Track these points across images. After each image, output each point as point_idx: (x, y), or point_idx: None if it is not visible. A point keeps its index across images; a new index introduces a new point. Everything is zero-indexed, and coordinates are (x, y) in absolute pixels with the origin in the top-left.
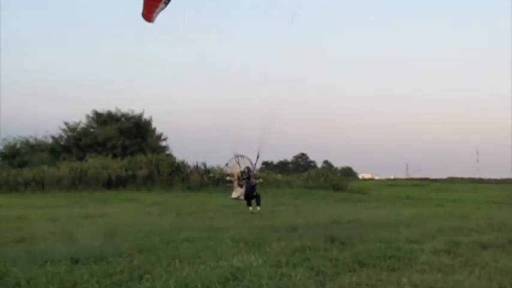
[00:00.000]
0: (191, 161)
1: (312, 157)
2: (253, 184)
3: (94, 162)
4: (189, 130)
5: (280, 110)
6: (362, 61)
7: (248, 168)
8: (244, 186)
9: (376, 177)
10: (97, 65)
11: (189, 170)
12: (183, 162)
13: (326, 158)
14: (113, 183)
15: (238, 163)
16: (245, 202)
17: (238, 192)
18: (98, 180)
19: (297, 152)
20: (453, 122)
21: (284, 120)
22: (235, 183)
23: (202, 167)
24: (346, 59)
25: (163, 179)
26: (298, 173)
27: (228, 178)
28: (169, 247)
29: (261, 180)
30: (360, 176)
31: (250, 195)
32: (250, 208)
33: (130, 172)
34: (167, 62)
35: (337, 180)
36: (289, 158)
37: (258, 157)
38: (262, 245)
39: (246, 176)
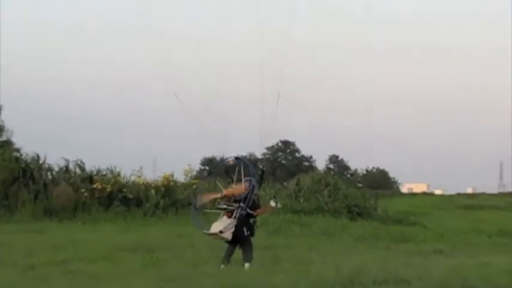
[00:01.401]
0: (55, 158)
1: (305, 150)
2: (251, 215)
3: None
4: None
5: None
6: None
7: (250, 182)
8: (234, 217)
9: (437, 191)
10: None
11: (49, 175)
12: (37, 160)
13: (331, 152)
14: None
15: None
16: (225, 245)
17: (222, 224)
18: None
19: (273, 140)
20: None
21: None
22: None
23: (79, 171)
24: None
25: None
26: (279, 180)
27: (221, 205)
28: None
29: (279, 205)
30: (404, 188)
31: (239, 236)
32: (222, 266)
33: None
34: None
35: (356, 197)
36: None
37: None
38: None
39: (243, 198)
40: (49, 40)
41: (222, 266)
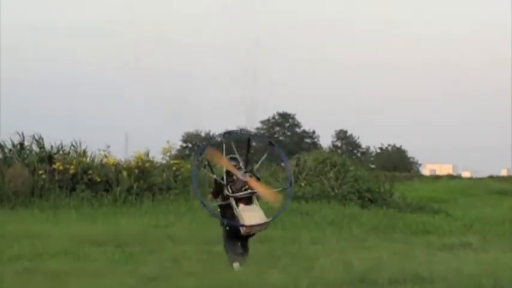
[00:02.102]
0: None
1: (303, 120)
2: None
3: None
4: None
5: None
6: None
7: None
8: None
9: (465, 174)
10: None
11: (0, 154)
12: None
13: (339, 127)
14: None
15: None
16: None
17: (257, 211)
18: None
19: (270, 111)
20: None
21: None
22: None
23: (36, 148)
24: None
25: None
26: (276, 160)
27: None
28: None
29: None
30: (426, 170)
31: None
32: (236, 264)
33: None
34: None
35: (368, 181)
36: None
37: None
38: None
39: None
40: None
41: (236, 264)
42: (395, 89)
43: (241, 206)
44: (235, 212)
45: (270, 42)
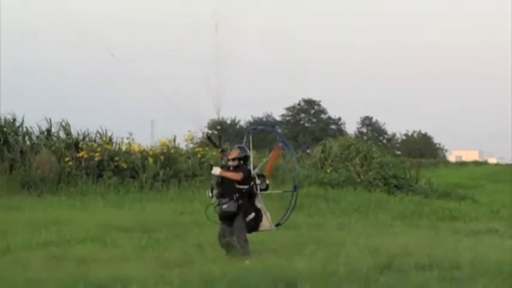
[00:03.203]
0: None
1: (328, 106)
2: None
3: None
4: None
5: None
6: None
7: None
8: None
9: (491, 160)
10: None
11: (27, 141)
12: (12, 123)
13: (364, 113)
14: None
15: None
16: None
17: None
18: None
19: (294, 98)
20: None
21: None
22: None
23: (63, 135)
24: None
25: None
26: (302, 147)
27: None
28: None
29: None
30: (452, 156)
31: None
32: (248, 261)
33: None
34: None
35: (393, 167)
36: (277, 108)
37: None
38: None
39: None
40: None
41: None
42: (421, 75)
43: (262, 207)
44: (260, 207)
45: (299, 31)
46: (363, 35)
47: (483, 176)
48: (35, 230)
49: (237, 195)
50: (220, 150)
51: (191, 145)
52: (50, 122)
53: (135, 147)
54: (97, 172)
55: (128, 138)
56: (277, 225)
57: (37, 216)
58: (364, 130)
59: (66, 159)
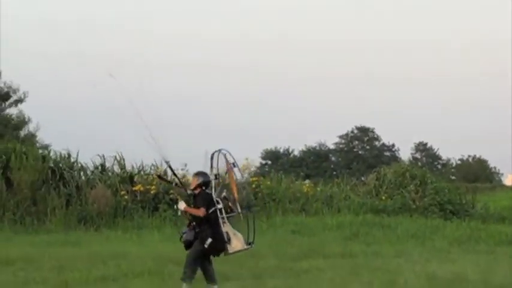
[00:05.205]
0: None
1: (386, 137)
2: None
3: None
4: None
5: None
6: None
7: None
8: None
9: None
10: None
11: (83, 176)
12: (67, 158)
13: (418, 139)
14: None
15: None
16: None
17: (236, 233)
18: None
19: (348, 126)
20: None
21: None
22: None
23: (118, 169)
24: None
25: (22, 198)
26: (356, 174)
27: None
28: None
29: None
30: (508, 180)
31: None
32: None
33: None
34: None
35: (449, 193)
36: (330, 138)
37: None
38: None
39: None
40: None
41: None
42: (474, 99)
43: (229, 230)
44: (225, 231)
45: (345, 58)
46: (411, 63)
47: None
48: (92, 264)
49: (194, 223)
50: (174, 184)
51: (246, 175)
52: (103, 157)
53: (191, 179)
54: (152, 205)
55: (182, 169)
56: (249, 244)
57: (94, 251)
58: (418, 156)
59: (122, 193)
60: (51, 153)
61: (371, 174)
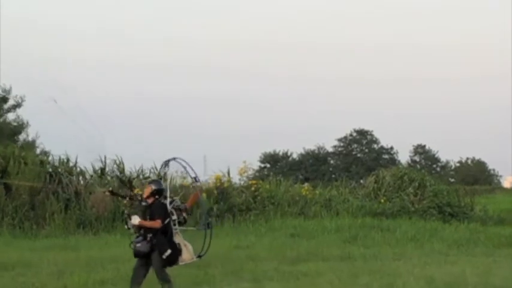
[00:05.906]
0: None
1: (385, 140)
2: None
3: None
4: None
5: None
6: None
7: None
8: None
9: None
10: None
11: (81, 180)
12: (66, 163)
13: (416, 142)
14: None
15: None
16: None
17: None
18: None
19: (346, 129)
20: None
21: None
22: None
23: (117, 172)
24: None
25: (21, 203)
26: (355, 177)
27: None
28: None
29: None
30: (507, 182)
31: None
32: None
33: None
34: None
35: (448, 195)
36: (328, 141)
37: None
38: None
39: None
40: None
41: None
42: (472, 101)
43: (181, 241)
44: (178, 242)
45: (344, 61)
46: (412, 64)
47: None
48: (91, 268)
49: (151, 235)
50: (128, 198)
51: (245, 178)
52: (104, 161)
53: (188, 183)
54: None
55: (181, 172)
56: (199, 256)
57: (93, 255)
58: (417, 159)
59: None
60: (50, 158)
61: (370, 177)
